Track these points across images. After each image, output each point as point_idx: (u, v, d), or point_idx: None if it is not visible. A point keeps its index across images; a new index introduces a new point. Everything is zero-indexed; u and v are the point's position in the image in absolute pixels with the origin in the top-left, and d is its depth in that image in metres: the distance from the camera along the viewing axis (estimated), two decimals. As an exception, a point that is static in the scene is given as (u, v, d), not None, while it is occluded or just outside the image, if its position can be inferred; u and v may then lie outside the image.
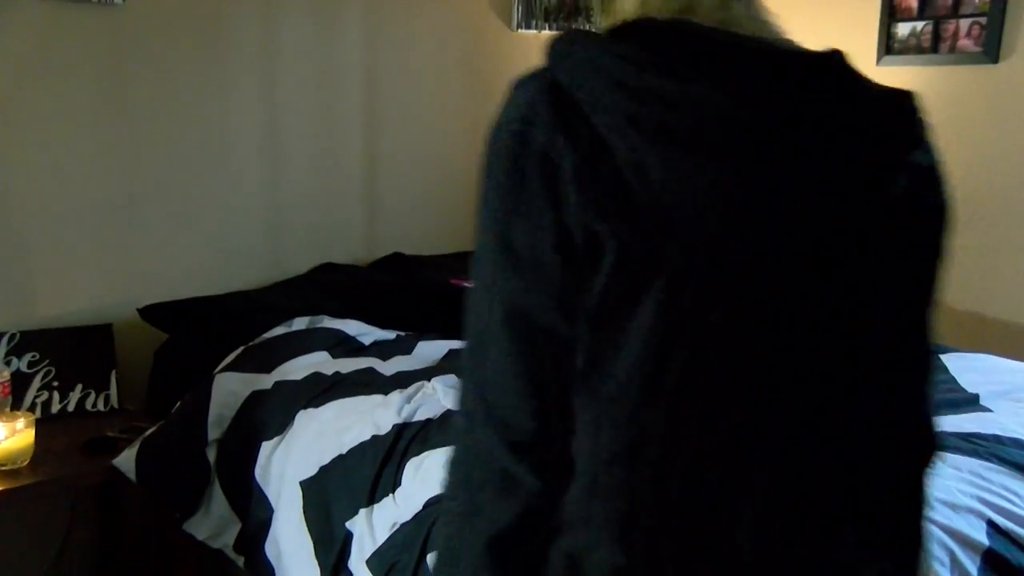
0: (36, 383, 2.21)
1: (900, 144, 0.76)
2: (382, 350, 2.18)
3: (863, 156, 0.72)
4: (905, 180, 0.75)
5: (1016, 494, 1.45)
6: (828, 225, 0.71)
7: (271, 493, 1.83)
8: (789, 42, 0.78)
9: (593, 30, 0.77)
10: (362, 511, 1.61)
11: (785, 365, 0.71)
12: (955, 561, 1.32)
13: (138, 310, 2.35)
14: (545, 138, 0.70)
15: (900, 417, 0.78)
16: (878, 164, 0.73)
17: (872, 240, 0.73)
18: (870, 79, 0.77)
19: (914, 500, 0.79)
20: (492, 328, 0.73)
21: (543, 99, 0.71)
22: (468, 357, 0.76)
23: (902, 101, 0.79)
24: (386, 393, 1.83)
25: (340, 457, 1.70)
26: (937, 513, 1.37)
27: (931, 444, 0.80)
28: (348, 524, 1.62)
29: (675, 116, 0.68)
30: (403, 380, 1.93)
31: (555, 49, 0.74)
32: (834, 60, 0.76)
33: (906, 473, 0.79)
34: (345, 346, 2.18)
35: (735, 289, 0.69)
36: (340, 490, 1.66)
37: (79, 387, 2.25)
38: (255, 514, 1.86)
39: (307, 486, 1.73)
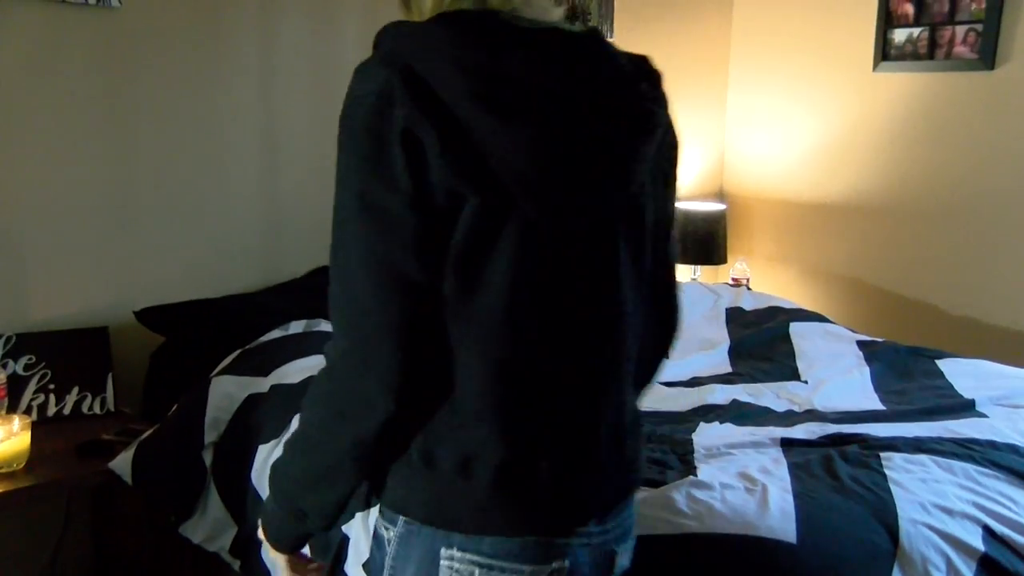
0: (32, 386, 2.20)
1: (657, 100, 1.00)
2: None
3: (633, 110, 0.95)
4: (662, 128, 0.99)
5: (1012, 500, 1.46)
6: (616, 168, 0.93)
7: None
8: (564, 23, 0.95)
9: (412, 20, 0.97)
10: (358, 515, 1.60)
11: (596, 286, 0.95)
12: (951, 566, 1.32)
13: (134, 313, 2.35)
14: (406, 115, 0.84)
15: (663, 312, 1.09)
16: (646, 115, 0.96)
17: (644, 177, 0.97)
18: (618, 48, 0.99)
19: (660, 360, 1.13)
20: (352, 270, 0.88)
21: (398, 81, 0.85)
22: (334, 298, 0.91)
23: (648, 65, 1.03)
24: None
25: None
26: (933, 518, 1.37)
27: (674, 329, 1.12)
28: (344, 528, 1.61)
29: (499, 88, 0.84)
30: None
31: (396, 36, 0.91)
32: (598, 36, 0.95)
33: (662, 345, 1.12)
34: (342, 349, 2.18)
35: (559, 226, 0.90)
36: None
37: (75, 390, 2.25)
38: (252, 517, 1.86)
39: None
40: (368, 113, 0.86)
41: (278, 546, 1.07)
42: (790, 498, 1.40)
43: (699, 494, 1.42)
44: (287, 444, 1.00)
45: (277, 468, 1.03)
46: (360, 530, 1.59)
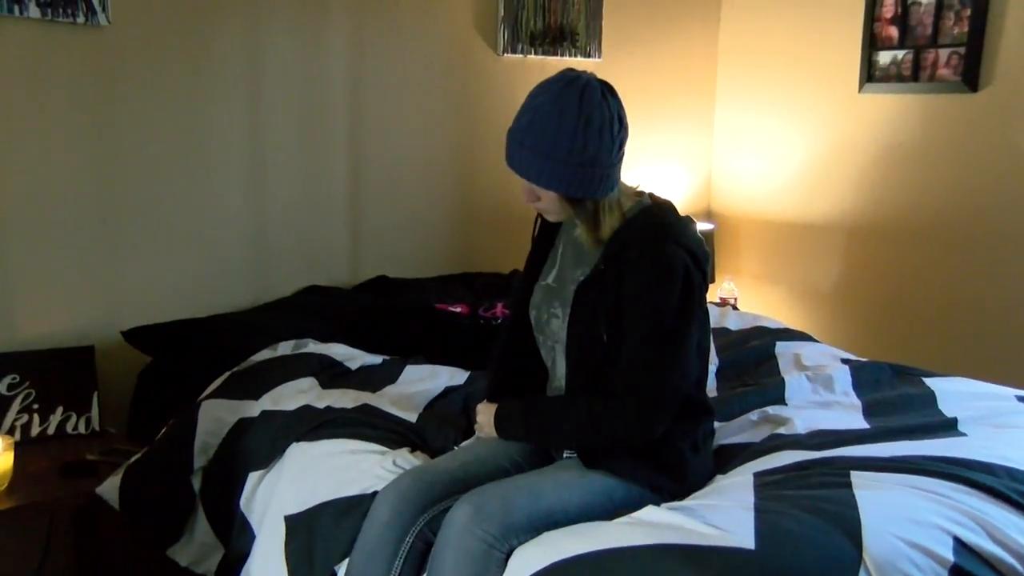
0: (16, 405, 2.18)
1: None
2: (370, 377, 2.17)
3: None
4: None
5: (982, 512, 1.46)
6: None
7: (255, 523, 1.82)
8: None
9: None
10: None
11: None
12: (921, 574, 1.32)
13: (121, 333, 2.34)
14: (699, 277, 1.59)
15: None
16: None
17: None
18: None
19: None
20: (680, 363, 1.57)
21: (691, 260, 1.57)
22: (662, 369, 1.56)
23: None
24: (389, 445, 1.80)
25: (337, 500, 1.68)
26: (900, 528, 1.37)
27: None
28: (336, 567, 1.61)
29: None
30: (402, 428, 1.89)
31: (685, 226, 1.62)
32: None
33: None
34: (331, 371, 2.17)
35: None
36: (330, 533, 1.65)
37: (60, 410, 2.23)
38: (238, 543, 1.85)
39: (292, 521, 1.71)
40: (684, 273, 1.57)
41: (501, 437, 1.69)
42: (751, 513, 1.41)
43: (656, 516, 1.45)
44: (574, 421, 1.57)
45: (551, 420, 1.62)
46: None
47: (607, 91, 1.53)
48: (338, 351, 2.29)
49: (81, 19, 2.25)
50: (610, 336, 1.56)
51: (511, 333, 1.78)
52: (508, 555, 1.43)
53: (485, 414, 1.70)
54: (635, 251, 1.54)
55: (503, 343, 1.80)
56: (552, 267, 1.73)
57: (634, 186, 1.67)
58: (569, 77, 1.52)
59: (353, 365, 2.24)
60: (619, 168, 1.58)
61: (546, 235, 1.77)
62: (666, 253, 1.52)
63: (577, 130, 1.48)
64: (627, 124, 1.56)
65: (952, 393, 2.13)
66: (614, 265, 1.56)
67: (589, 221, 1.59)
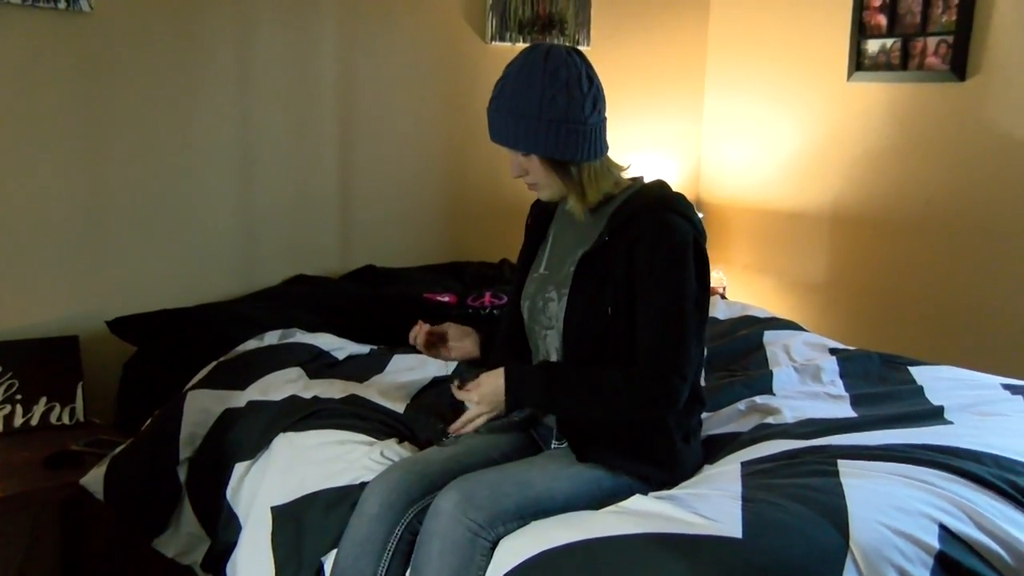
0: (-1, 396, 2.17)
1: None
2: (357, 367, 2.16)
3: None
4: None
5: (968, 500, 1.47)
6: None
7: (242, 514, 1.81)
8: None
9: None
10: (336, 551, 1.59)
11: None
12: (907, 561, 1.32)
13: (106, 323, 2.31)
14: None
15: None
16: None
17: None
18: None
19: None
20: (696, 330, 1.59)
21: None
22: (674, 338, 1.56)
23: None
24: (376, 436, 1.79)
25: (325, 491, 1.67)
26: (887, 516, 1.38)
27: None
28: (323, 559, 1.60)
29: None
30: (390, 419, 1.88)
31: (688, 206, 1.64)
32: None
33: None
34: (319, 361, 2.16)
35: None
36: (319, 523, 1.64)
37: (43, 400, 2.21)
38: (224, 534, 1.84)
39: (279, 512, 1.70)
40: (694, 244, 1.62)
41: (509, 403, 1.58)
42: (738, 502, 1.41)
43: (643, 505, 1.45)
44: (596, 389, 1.55)
45: (574, 392, 1.56)
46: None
47: (573, 51, 1.58)
48: (325, 341, 2.27)
49: (63, 4, 2.21)
50: (615, 310, 1.56)
51: (509, 325, 1.78)
52: (494, 544, 1.43)
53: (487, 384, 1.58)
54: (642, 222, 1.56)
55: (503, 332, 1.80)
56: (543, 257, 1.74)
57: (621, 165, 1.69)
58: (534, 45, 1.60)
59: (340, 355, 2.23)
60: (600, 132, 1.60)
61: (539, 226, 1.77)
62: (674, 224, 1.56)
63: (545, 84, 1.53)
64: (599, 84, 1.60)
65: (939, 381, 2.14)
66: (621, 237, 1.57)
67: (577, 189, 1.61)
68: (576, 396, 1.56)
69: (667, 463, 1.60)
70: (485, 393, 1.58)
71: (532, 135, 1.54)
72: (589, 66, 1.59)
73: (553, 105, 1.52)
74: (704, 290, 1.62)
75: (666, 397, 1.54)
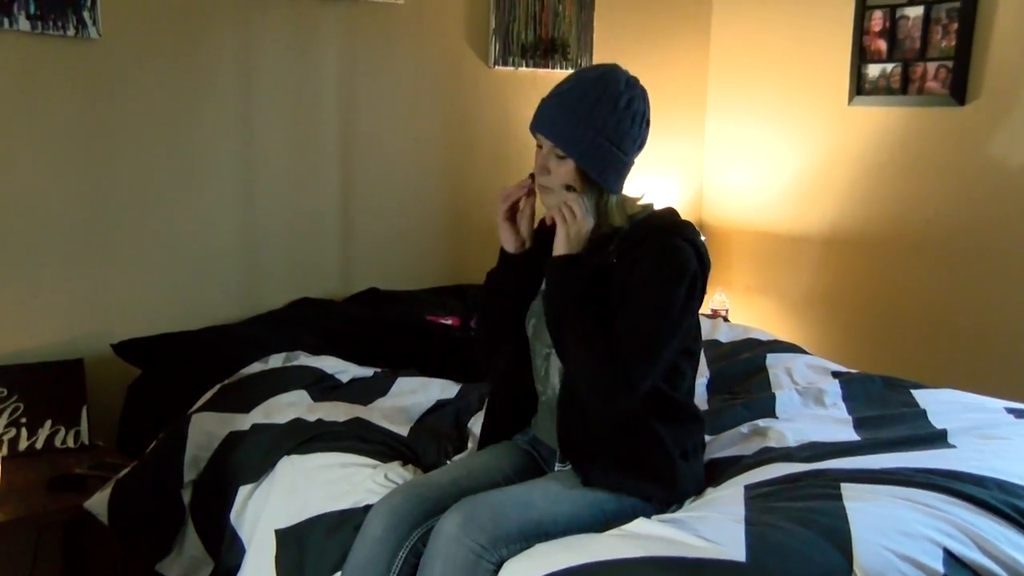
0: (3, 419, 2.17)
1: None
2: (361, 390, 2.16)
3: None
4: None
5: (972, 524, 1.46)
6: None
7: (245, 536, 1.81)
8: None
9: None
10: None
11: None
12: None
13: (112, 346, 2.32)
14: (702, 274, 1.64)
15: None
16: None
17: None
18: None
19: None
20: (672, 345, 1.58)
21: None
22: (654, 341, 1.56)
23: None
24: (380, 459, 1.80)
25: (329, 514, 1.67)
26: (890, 540, 1.37)
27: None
28: None
29: None
30: (393, 442, 1.88)
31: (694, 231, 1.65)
32: None
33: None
34: (323, 384, 2.16)
35: None
36: (321, 547, 1.64)
37: (48, 423, 2.22)
38: (228, 557, 1.84)
39: (283, 535, 1.70)
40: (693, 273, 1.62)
41: (553, 275, 1.62)
42: (742, 525, 1.41)
43: (647, 528, 1.45)
44: (596, 345, 1.54)
45: (579, 333, 1.56)
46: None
47: (646, 92, 1.61)
48: (329, 364, 2.28)
49: (72, 32, 2.24)
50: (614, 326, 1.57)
51: (515, 343, 1.78)
52: (498, 566, 1.43)
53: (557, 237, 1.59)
54: (650, 245, 1.58)
55: (507, 353, 1.81)
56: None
57: (637, 196, 1.70)
58: (615, 65, 1.62)
59: (344, 378, 2.24)
60: (629, 169, 1.62)
61: (544, 245, 1.77)
62: (679, 247, 1.58)
63: (621, 106, 1.55)
64: (648, 131, 1.62)
65: (942, 405, 2.14)
66: (627, 258, 1.59)
67: (599, 210, 1.62)
68: (587, 325, 1.54)
69: (667, 481, 1.61)
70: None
71: (581, 141, 1.54)
72: (649, 110, 1.62)
73: (617, 127, 1.55)
74: (692, 310, 1.62)
75: (624, 377, 1.52)
